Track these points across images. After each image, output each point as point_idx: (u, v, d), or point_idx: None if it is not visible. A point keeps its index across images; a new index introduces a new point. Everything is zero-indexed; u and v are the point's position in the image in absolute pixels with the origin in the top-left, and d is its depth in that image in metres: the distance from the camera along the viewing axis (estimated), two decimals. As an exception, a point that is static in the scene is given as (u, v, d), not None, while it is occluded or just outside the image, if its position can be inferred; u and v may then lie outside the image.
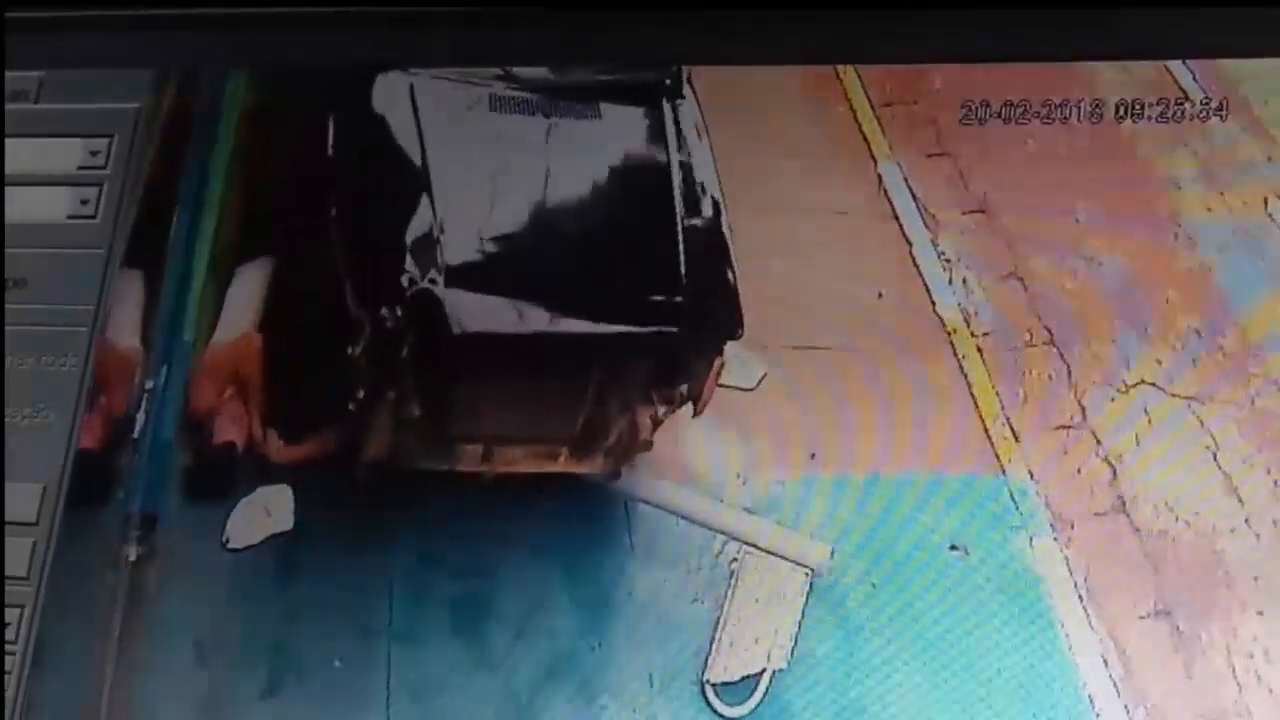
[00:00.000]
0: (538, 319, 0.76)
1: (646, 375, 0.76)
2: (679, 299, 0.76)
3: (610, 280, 0.77)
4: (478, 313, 0.76)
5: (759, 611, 0.71)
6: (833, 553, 0.71)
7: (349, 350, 0.77)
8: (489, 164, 0.79)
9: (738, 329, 0.75)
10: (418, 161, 0.79)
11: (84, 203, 0.81)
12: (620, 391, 0.76)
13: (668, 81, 0.80)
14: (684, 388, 0.75)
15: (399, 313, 0.76)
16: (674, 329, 0.76)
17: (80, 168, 0.81)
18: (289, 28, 0.83)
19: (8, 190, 0.80)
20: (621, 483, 0.75)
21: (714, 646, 0.71)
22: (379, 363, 0.77)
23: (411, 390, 0.76)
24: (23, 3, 0.83)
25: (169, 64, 0.83)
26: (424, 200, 0.78)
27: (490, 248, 0.78)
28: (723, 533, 0.72)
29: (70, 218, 0.80)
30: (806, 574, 0.71)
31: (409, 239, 0.78)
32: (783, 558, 0.71)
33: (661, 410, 0.75)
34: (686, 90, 0.80)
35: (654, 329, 0.76)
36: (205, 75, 0.83)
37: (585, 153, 0.78)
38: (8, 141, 0.81)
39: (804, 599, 0.71)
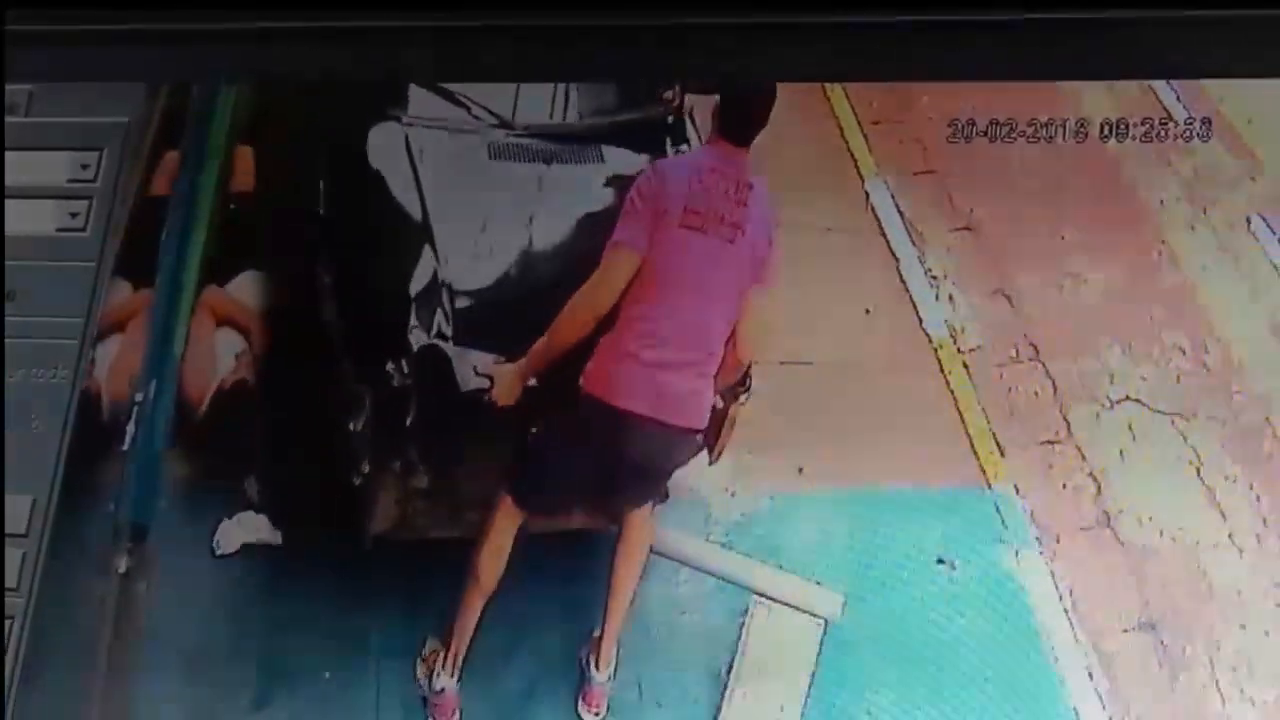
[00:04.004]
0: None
1: None
2: None
3: None
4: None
5: (772, 663, 0.71)
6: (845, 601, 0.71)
7: (350, 426, 0.76)
8: (491, 213, 0.78)
9: (746, 379, 0.75)
10: (418, 215, 0.78)
11: (73, 215, 0.80)
12: None
13: (670, 120, 0.80)
14: (699, 436, 0.75)
15: (405, 369, 0.76)
16: None
17: (70, 180, 0.81)
18: (280, 42, 0.83)
19: (-3, 203, 0.80)
20: None
21: (725, 699, 0.71)
22: (383, 434, 0.76)
23: (418, 459, 0.76)
24: (19, 3, 0.82)
25: (159, 78, 0.83)
26: (426, 253, 0.77)
27: (494, 300, 0.77)
28: (735, 583, 0.73)
29: (60, 231, 0.80)
30: (820, 624, 0.71)
31: (413, 292, 0.77)
32: (796, 608, 0.72)
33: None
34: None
35: None
36: (196, 90, 0.83)
37: (588, 198, 0.78)
38: (-3, 154, 0.81)
39: (818, 650, 0.71)
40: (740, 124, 0.76)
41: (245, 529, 0.75)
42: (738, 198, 0.75)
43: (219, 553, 0.75)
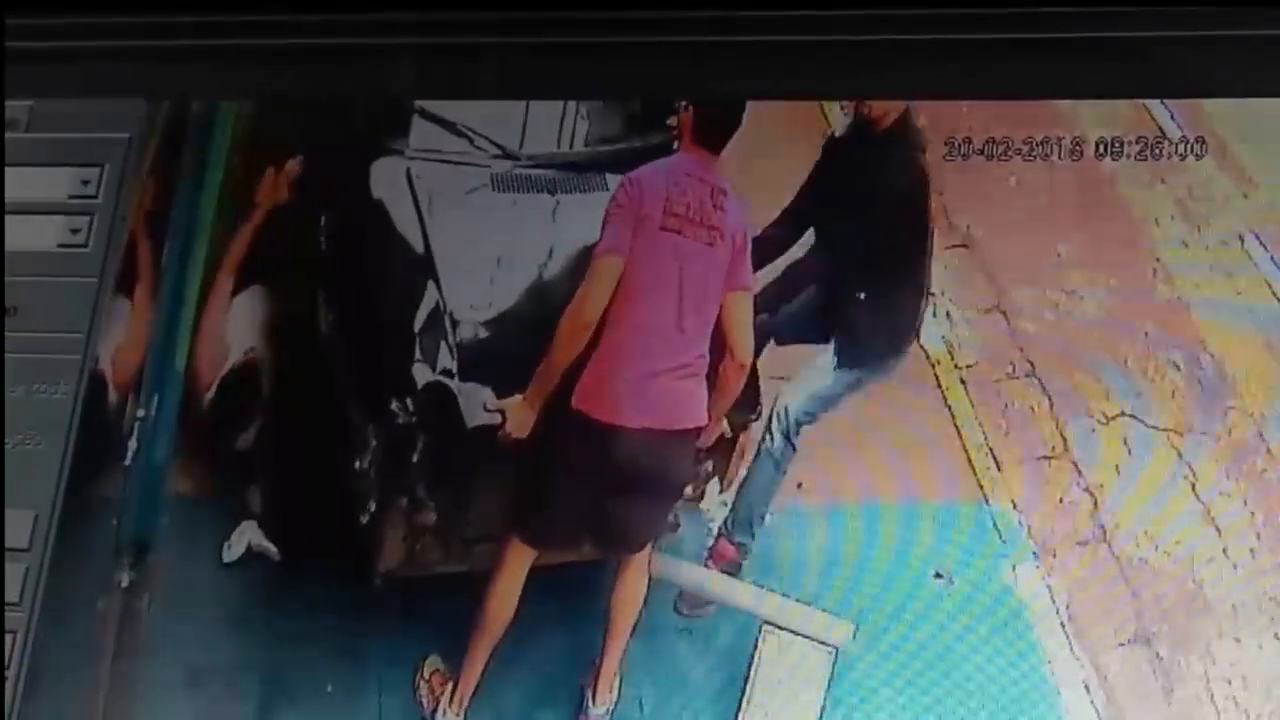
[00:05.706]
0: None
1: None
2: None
3: None
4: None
5: (782, 693, 0.71)
6: (856, 631, 0.72)
7: (355, 464, 0.76)
8: (495, 246, 0.78)
9: (756, 405, 0.76)
10: (420, 248, 0.78)
11: (75, 231, 0.80)
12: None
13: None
14: (709, 464, 0.76)
15: (410, 406, 0.76)
16: None
17: (71, 197, 0.81)
18: (280, 60, 0.83)
19: (-2, 219, 0.81)
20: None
21: None
22: (389, 472, 0.76)
23: (425, 496, 0.76)
24: (19, 11, 0.82)
25: (160, 95, 0.83)
26: (430, 286, 0.77)
27: (498, 331, 0.77)
28: (744, 610, 0.73)
29: (61, 246, 0.81)
30: (830, 652, 0.71)
31: (416, 326, 0.77)
32: (805, 636, 0.72)
33: (688, 491, 0.75)
34: None
35: None
36: (196, 106, 0.83)
37: (593, 227, 0.77)
38: (-2, 170, 0.81)
39: (828, 679, 0.71)
40: (717, 131, 0.77)
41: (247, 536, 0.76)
42: (714, 202, 0.76)
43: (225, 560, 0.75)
